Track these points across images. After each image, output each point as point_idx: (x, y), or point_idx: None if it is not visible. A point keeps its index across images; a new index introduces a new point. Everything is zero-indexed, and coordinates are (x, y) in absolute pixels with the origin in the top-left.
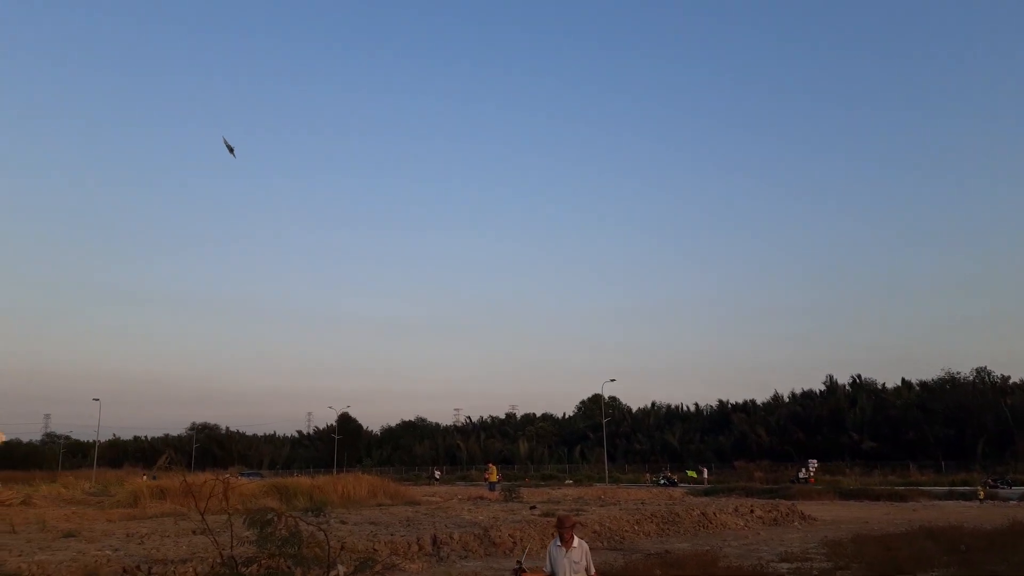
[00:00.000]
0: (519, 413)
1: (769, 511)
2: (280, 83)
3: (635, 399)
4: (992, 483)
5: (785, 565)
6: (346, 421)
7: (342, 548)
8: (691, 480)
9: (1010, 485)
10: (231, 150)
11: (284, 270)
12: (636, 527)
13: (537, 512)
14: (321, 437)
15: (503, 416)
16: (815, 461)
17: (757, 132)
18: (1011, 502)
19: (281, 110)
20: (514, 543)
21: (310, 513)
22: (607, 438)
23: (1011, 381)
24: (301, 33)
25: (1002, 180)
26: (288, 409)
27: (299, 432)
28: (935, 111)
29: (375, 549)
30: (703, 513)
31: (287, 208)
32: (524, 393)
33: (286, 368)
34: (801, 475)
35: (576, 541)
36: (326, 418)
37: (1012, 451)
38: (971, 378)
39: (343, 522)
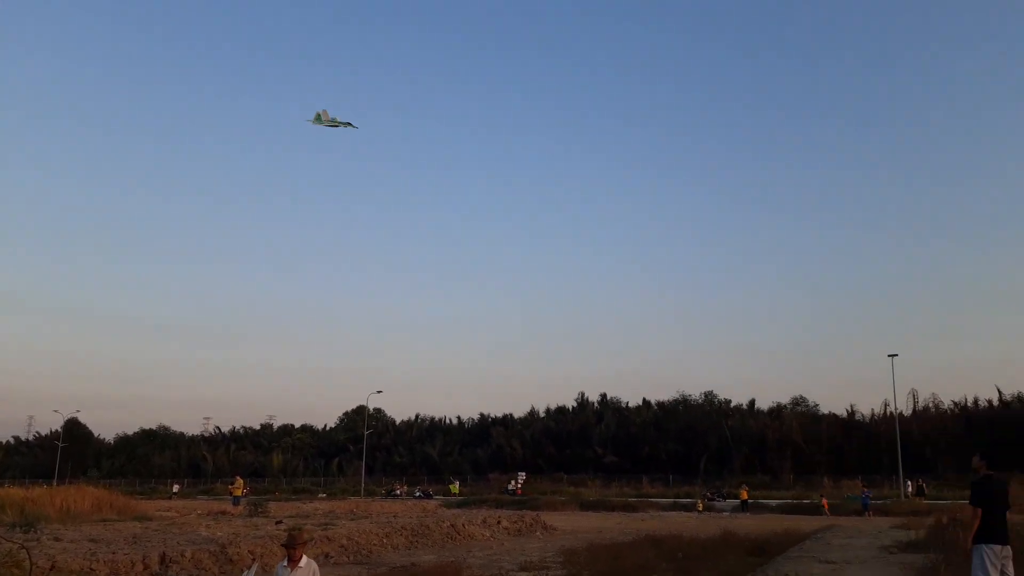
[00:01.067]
0: (276, 424)
1: (515, 522)
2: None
3: (402, 411)
4: (710, 496)
5: (524, 574)
6: (73, 427)
7: (52, 568)
8: (451, 494)
9: (724, 498)
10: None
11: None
12: (385, 540)
13: (283, 527)
14: (42, 444)
15: (258, 427)
16: (523, 474)
17: None
18: (724, 513)
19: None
20: (254, 560)
21: (18, 529)
22: (368, 451)
23: (732, 404)
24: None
25: (722, 235)
26: (4, 412)
27: (15, 438)
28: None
29: (92, 568)
30: (452, 525)
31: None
32: (285, 403)
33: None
34: (510, 487)
35: (304, 561)
36: (52, 423)
37: (729, 467)
38: (700, 400)
39: (57, 539)
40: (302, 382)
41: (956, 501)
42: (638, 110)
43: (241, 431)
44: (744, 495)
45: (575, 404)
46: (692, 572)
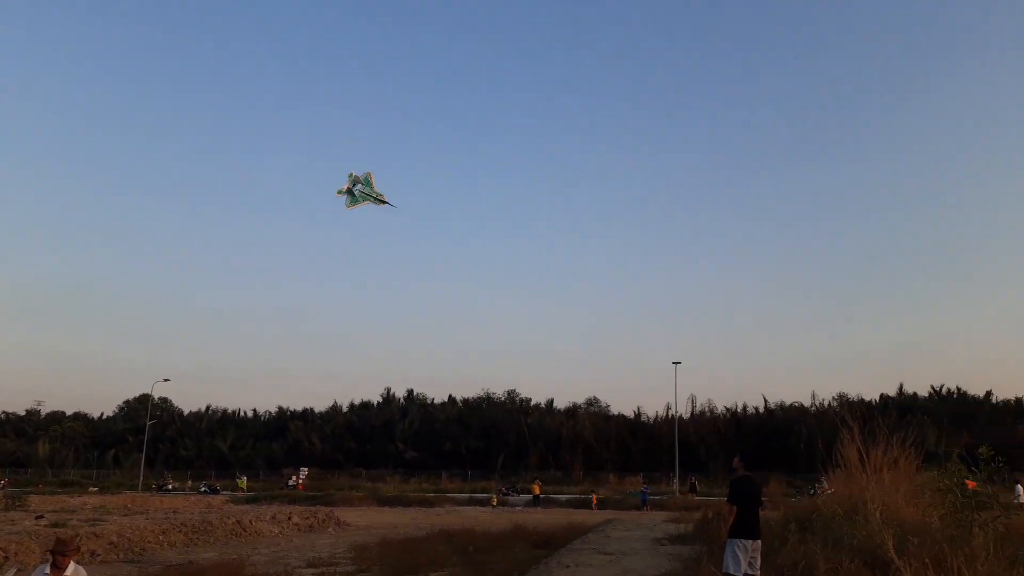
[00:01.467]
0: (44, 410)
1: (307, 518)
2: None
3: (192, 402)
4: (505, 491)
5: (311, 570)
6: None
7: None
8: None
9: (518, 493)
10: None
11: None
12: (161, 537)
13: (44, 522)
14: None
15: (23, 413)
16: (306, 469)
17: None
18: (517, 508)
19: None
20: (6, 558)
21: None
22: (150, 442)
23: (532, 403)
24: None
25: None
26: None
27: None
28: None
29: None
30: (238, 521)
31: None
32: (56, 388)
33: None
34: (291, 482)
35: (72, 568)
36: None
37: (526, 463)
38: (503, 399)
39: None
40: (77, 366)
41: (722, 498)
42: None
43: (1, 416)
44: (536, 490)
45: (380, 400)
46: (482, 565)
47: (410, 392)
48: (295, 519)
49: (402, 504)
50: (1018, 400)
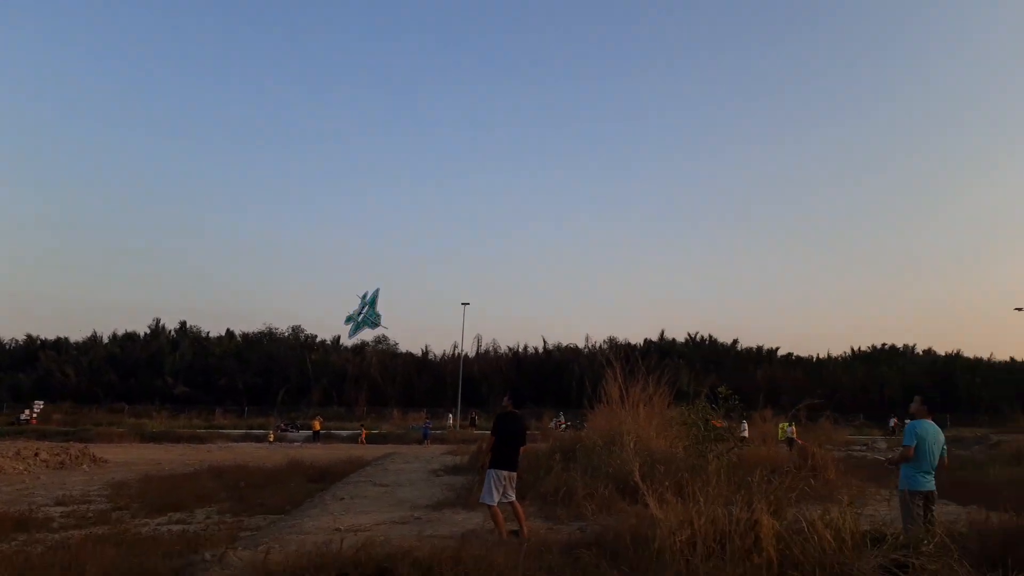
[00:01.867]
0: None
1: (57, 454)
2: None
3: None
4: (283, 427)
5: (60, 508)
6: None
7: None
8: None
9: (298, 429)
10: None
11: None
12: None
13: None
14: None
15: None
16: (40, 402)
17: None
18: (296, 444)
19: None
20: None
21: None
22: None
23: (318, 340)
24: None
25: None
26: None
27: None
28: None
29: None
30: None
31: None
32: None
33: None
34: (23, 416)
35: None
36: None
37: (308, 399)
38: (287, 334)
39: None
40: None
41: None
42: None
43: None
44: (317, 426)
45: (148, 331)
46: (253, 500)
47: (183, 324)
48: (43, 455)
49: (170, 441)
50: (759, 348)
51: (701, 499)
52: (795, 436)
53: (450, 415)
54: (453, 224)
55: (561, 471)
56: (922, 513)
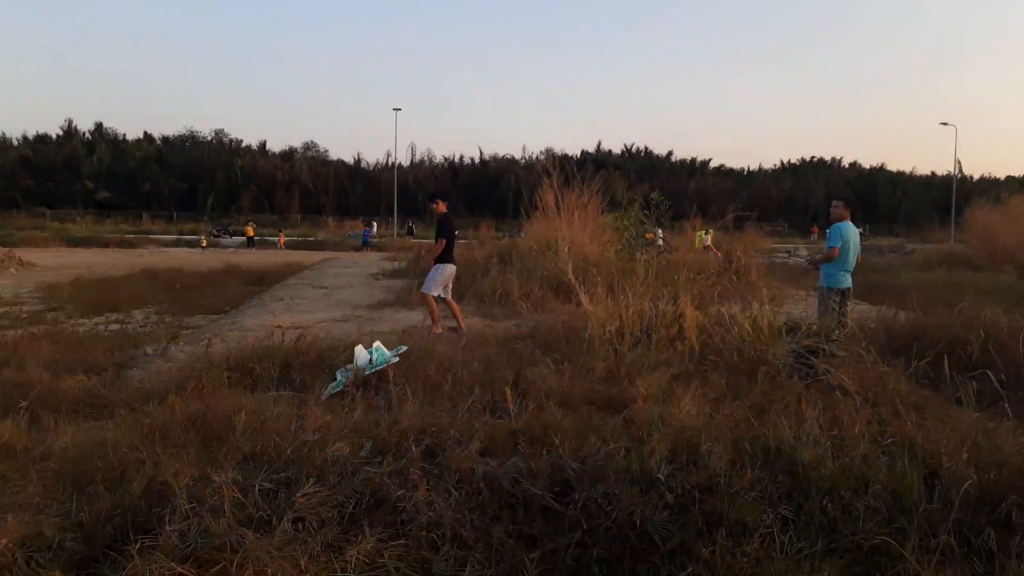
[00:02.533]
0: None
1: None
2: None
3: None
4: (216, 232)
5: None
6: None
7: None
8: None
9: (231, 235)
10: None
11: None
12: None
13: None
14: None
15: None
16: None
17: None
18: (229, 249)
19: None
20: None
21: None
22: None
23: (244, 144)
24: None
25: None
26: None
27: None
28: None
29: None
30: None
31: None
32: None
33: None
34: None
35: None
36: None
37: (237, 206)
38: (210, 138)
39: None
40: None
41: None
42: None
43: None
44: (251, 232)
45: (60, 133)
46: (191, 301)
47: (99, 125)
48: None
49: (98, 245)
50: (692, 160)
51: (630, 294)
52: (710, 244)
53: (388, 223)
54: (383, 26)
55: (498, 274)
56: (837, 308)
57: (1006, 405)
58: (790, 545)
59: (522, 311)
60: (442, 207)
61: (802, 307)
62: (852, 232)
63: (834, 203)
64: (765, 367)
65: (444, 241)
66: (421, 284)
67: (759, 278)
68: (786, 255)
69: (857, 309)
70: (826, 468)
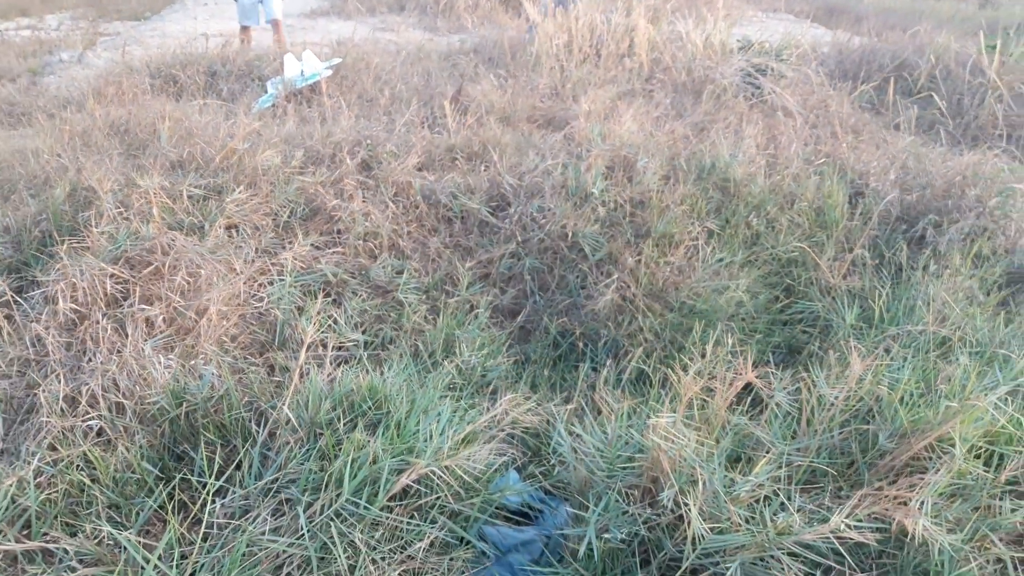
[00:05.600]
0: None
1: None
2: None
3: None
4: None
5: None
6: None
7: None
8: None
9: None
10: None
11: None
12: None
13: None
14: None
15: None
16: None
17: None
18: None
19: None
20: None
21: None
22: None
23: None
24: None
25: None
26: None
27: None
28: None
29: None
30: None
31: None
32: None
33: None
34: None
35: None
36: None
37: None
38: None
39: None
40: None
41: None
42: None
43: None
44: None
45: None
46: (107, 5)
47: None
48: None
49: None
50: None
51: (579, 5)
52: None
53: None
54: None
55: None
56: None
57: (941, 130)
58: (712, 256)
59: (467, 24)
60: None
61: (759, 28)
62: None
63: None
64: (712, 86)
65: None
66: None
67: None
68: None
69: (812, 33)
70: (756, 185)
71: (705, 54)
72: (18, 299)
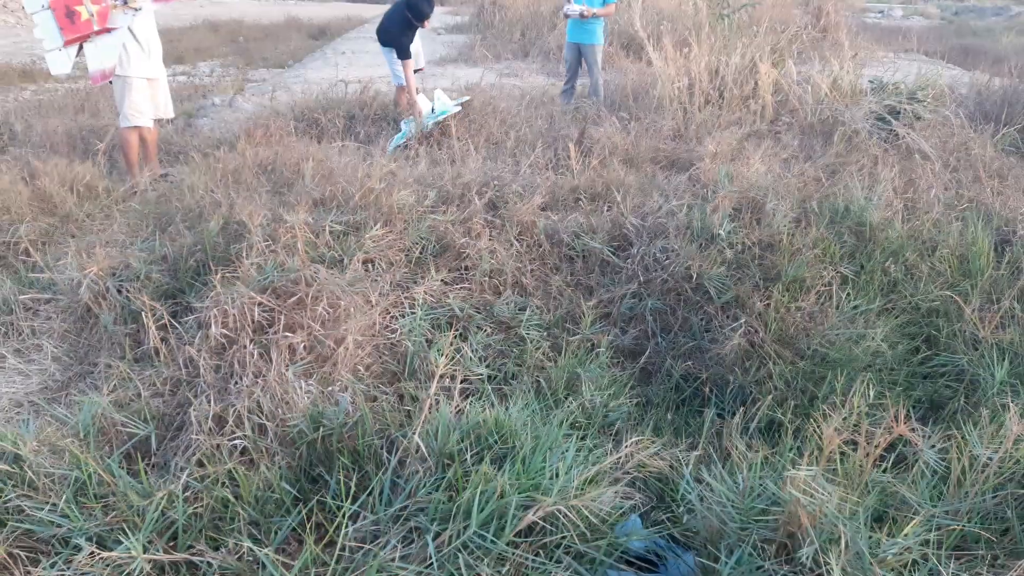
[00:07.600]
0: None
1: None
2: None
3: None
4: None
5: None
6: None
7: None
8: None
9: None
10: None
11: None
12: None
13: None
14: None
15: None
16: None
17: None
18: (290, 2)
19: None
20: None
21: None
22: None
23: None
24: None
25: None
26: None
27: None
28: None
29: None
30: None
31: None
32: None
33: None
34: None
35: None
36: None
37: None
38: None
39: None
40: None
41: None
42: None
43: None
44: None
45: None
46: (254, 54)
47: None
48: None
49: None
50: None
51: (700, 48)
52: None
53: None
54: None
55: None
56: None
57: None
58: (847, 303)
59: None
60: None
61: (890, 69)
62: None
63: None
64: (842, 128)
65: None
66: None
67: (847, 38)
68: (879, 15)
69: (948, 74)
70: (894, 230)
71: (833, 95)
72: (174, 323)
